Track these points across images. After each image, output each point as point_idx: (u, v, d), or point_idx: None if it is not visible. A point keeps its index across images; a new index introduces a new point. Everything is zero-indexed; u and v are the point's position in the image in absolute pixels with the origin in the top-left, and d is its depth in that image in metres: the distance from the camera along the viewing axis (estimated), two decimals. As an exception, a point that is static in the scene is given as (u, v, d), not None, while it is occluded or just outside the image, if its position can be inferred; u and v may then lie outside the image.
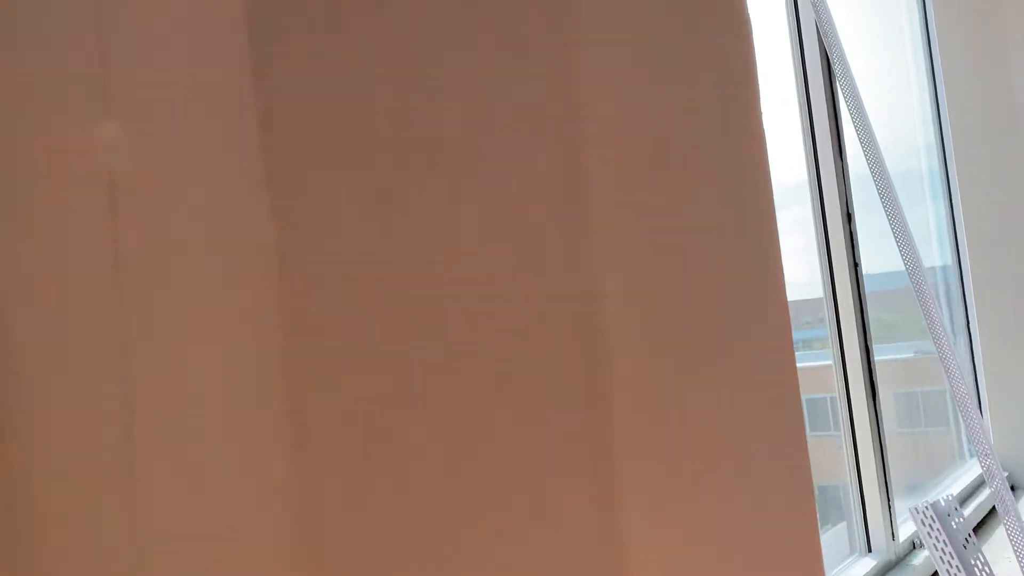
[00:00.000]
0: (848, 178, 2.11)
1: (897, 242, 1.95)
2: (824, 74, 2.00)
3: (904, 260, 1.95)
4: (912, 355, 2.93)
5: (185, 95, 0.56)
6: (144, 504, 0.51)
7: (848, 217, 2.12)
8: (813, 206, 2.13)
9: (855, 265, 2.14)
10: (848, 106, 1.83)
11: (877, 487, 2.13)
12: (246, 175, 0.59)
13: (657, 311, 0.95)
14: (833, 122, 2.01)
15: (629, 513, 0.85)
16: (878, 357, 2.20)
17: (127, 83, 0.54)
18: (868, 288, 2.19)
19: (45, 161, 0.50)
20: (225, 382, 0.56)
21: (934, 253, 3.08)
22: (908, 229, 1.98)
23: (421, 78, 0.72)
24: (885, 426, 2.21)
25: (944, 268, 3.12)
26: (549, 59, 0.85)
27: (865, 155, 1.82)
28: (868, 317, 2.18)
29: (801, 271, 2.21)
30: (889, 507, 2.14)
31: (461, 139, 0.75)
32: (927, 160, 3.10)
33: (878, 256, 2.42)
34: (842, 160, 2.11)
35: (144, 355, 0.52)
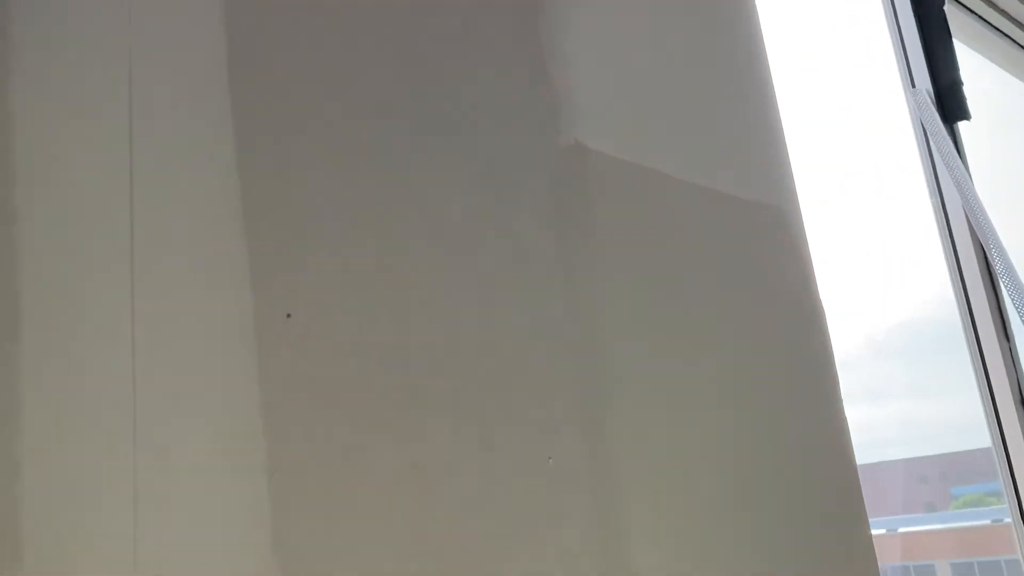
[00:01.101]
0: (1019, 363, 1.92)
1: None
2: (980, 260, 1.85)
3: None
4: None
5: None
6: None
7: (1023, 402, 1.92)
8: (981, 393, 1.95)
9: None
10: (1014, 304, 1.67)
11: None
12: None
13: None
14: (998, 313, 1.85)
15: None
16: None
17: None
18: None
19: None
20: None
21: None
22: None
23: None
24: None
25: None
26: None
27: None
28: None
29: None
30: None
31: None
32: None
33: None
34: (1008, 340, 1.93)
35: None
